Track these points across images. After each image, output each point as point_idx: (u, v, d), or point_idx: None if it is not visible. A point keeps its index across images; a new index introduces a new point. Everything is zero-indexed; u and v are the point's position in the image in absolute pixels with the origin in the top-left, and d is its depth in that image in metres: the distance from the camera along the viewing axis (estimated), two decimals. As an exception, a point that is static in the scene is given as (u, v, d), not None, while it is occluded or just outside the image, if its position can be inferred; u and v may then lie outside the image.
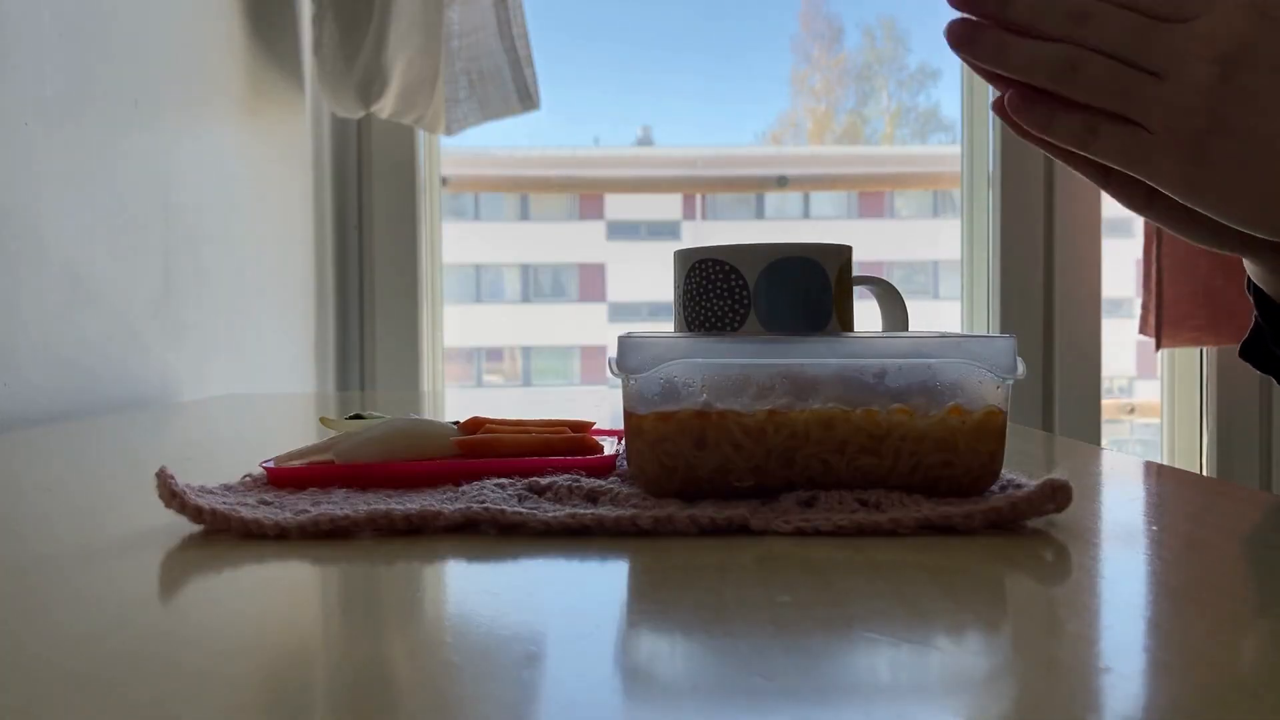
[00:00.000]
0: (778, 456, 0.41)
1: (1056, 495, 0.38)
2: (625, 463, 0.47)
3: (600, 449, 0.49)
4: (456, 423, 0.49)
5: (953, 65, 1.81)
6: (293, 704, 0.23)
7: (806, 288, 0.57)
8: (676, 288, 0.60)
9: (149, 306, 1.09)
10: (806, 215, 3.33)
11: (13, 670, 0.24)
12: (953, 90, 1.84)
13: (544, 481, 0.42)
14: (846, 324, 0.59)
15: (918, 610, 0.28)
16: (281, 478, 0.44)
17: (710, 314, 0.57)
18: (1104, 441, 1.79)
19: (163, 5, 1.15)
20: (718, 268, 0.57)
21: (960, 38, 0.44)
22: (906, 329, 0.63)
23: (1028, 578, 0.33)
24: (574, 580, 0.33)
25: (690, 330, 0.58)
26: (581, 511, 0.38)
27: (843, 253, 0.58)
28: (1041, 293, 1.70)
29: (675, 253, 0.60)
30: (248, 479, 0.44)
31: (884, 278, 0.63)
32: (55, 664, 0.25)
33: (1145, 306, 1.57)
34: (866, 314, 0.64)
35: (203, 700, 0.22)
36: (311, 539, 0.37)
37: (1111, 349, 1.76)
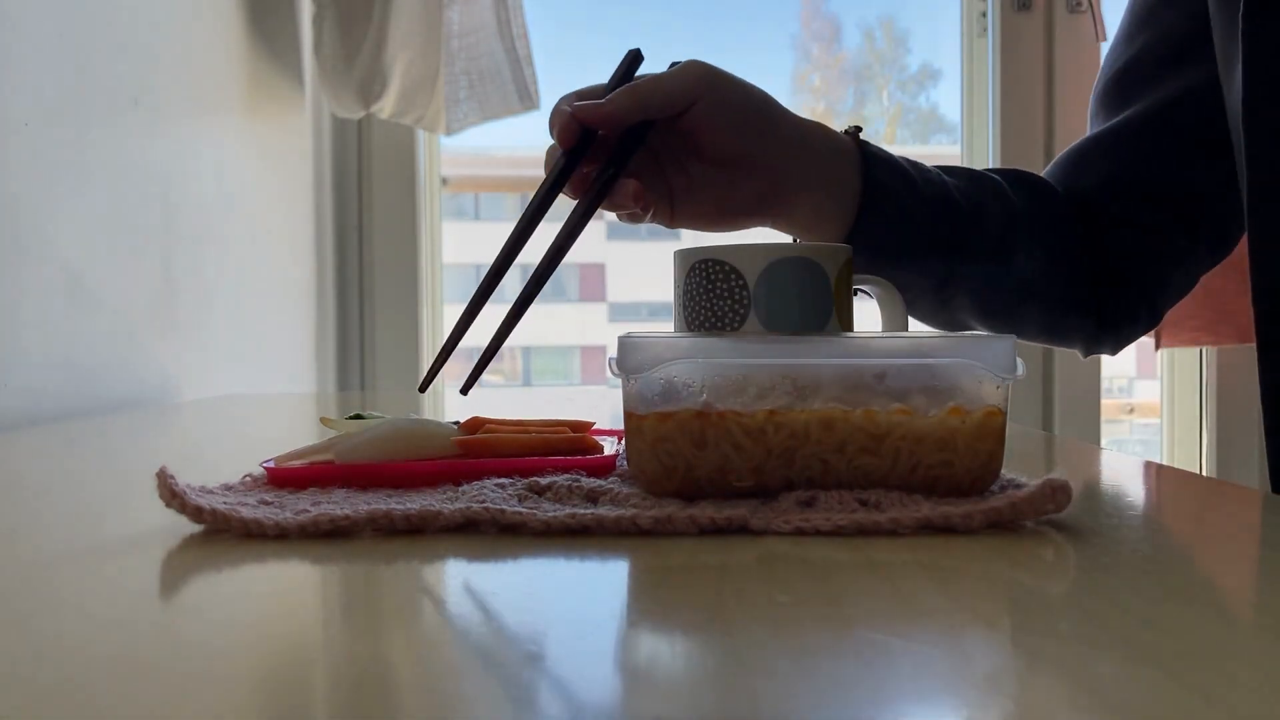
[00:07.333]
0: (778, 456, 0.41)
1: (1056, 495, 0.38)
2: (625, 463, 0.47)
3: (600, 449, 0.49)
4: (457, 422, 0.49)
5: (953, 66, 1.81)
6: (293, 704, 0.23)
7: (807, 288, 0.56)
8: (676, 287, 0.59)
9: (149, 306, 1.09)
10: (806, 215, 3.32)
11: (12, 670, 0.24)
12: (953, 91, 1.84)
13: (544, 481, 0.42)
14: (847, 324, 0.59)
15: (917, 610, 0.28)
16: (281, 478, 0.44)
17: (710, 314, 0.57)
18: (1104, 441, 1.78)
19: (162, 5, 1.15)
20: (718, 268, 0.57)
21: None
22: (906, 329, 0.63)
23: (1027, 577, 0.33)
24: (574, 580, 0.33)
25: (690, 330, 0.58)
26: (581, 511, 0.38)
27: (842, 254, 0.58)
28: (1041, 293, 1.70)
29: (675, 252, 0.60)
30: (248, 479, 0.44)
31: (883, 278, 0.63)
32: (55, 664, 0.25)
33: (1145, 306, 1.56)
34: (865, 315, 0.64)
35: (203, 700, 0.22)
36: (311, 539, 0.37)
37: (1111, 349, 1.75)
